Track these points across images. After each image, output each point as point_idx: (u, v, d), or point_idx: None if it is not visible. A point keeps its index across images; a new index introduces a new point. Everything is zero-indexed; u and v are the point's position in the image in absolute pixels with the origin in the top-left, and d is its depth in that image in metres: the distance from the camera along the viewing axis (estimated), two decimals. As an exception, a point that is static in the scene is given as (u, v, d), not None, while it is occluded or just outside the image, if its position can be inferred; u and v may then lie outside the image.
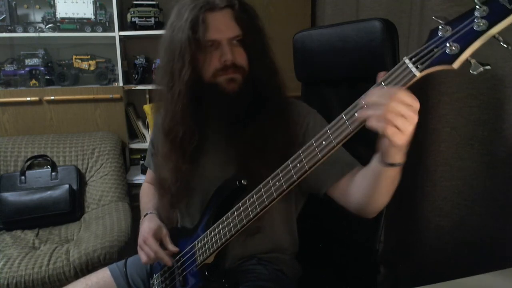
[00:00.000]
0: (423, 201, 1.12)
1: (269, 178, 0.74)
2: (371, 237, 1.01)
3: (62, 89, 2.15)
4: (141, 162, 2.26)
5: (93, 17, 2.13)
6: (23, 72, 2.15)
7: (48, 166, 1.97)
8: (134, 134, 2.32)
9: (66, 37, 2.14)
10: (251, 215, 0.77)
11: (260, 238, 0.94)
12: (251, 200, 0.77)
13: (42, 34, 2.08)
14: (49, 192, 1.84)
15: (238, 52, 0.86)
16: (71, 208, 1.86)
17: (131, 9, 2.12)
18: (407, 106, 0.56)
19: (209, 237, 0.86)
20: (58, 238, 1.71)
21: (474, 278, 0.75)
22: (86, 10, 2.12)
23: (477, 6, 0.51)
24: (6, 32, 2.06)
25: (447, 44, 0.53)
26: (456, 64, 0.53)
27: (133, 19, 2.11)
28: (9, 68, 2.16)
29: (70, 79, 2.20)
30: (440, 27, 0.55)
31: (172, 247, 0.93)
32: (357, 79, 1.08)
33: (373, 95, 0.59)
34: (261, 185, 0.76)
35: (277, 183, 0.72)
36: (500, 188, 0.97)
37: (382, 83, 0.59)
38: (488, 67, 0.53)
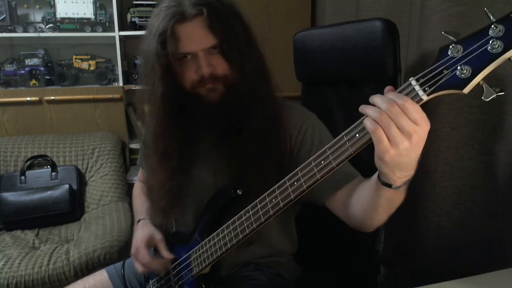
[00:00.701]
0: (423, 201, 1.12)
1: (266, 194, 0.72)
2: (371, 237, 1.01)
3: (62, 89, 2.15)
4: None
5: (93, 17, 2.13)
6: (23, 72, 2.15)
7: (48, 166, 1.97)
8: (134, 134, 2.32)
9: (66, 37, 2.14)
10: (247, 231, 0.75)
11: (257, 244, 0.93)
12: (247, 215, 0.75)
13: (42, 34, 2.08)
14: (49, 192, 1.84)
15: (216, 61, 0.80)
16: (71, 208, 1.85)
17: (131, 9, 2.12)
18: (406, 118, 0.51)
19: (204, 248, 0.85)
20: (58, 238, 1.71)
21: (474, 278, 0.75)
22: (86, 10, 2.12)
23: (492, 26, 0.47)
24: (6, 32, 2.06)
25: (458, 67, 0.49)
26: (467, 89, 0.49)
27: (133, 19, 2.11)
28: (9, 68, 2.16)
29: (70, 79, 2.20)
30: (451, 46, 0.50)
31: (166, 254, 0.90)
32: (358, 79, 1.08)
33: (379, 96, 0.54)
34: (257, 201, 0.73)
35: (273, 200, 0.70)
36: (500, 188, 0.97)
37: None
38: (502, 93, 0.49)
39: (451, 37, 0.51)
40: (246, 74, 0.82)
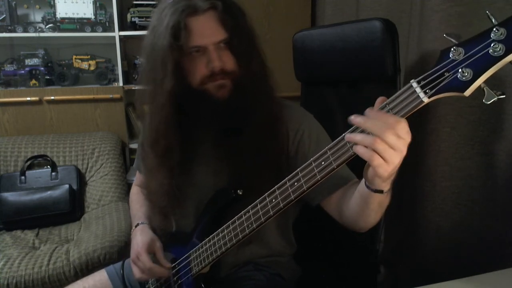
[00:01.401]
0: (423, 201, 1.12)
1: (266, 194, 0.72)
2: (371, 237, 1.01)
3: (62, 89, 2.15)
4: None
5: (93, 17, 2.13)
6: (23, 72, 2.15)
7: (48, 166, 1.97)
8: (134, 134, 2.32)
9: (66, 37, 2.14)
10: (247, 231, 0.76)
11: (256, 244, 0.93)
12: (247, 215, 0.76)
13: (42, 34, 2.08)
14: (49, 192, 1.84)
15: (226, 56, 0.81)
16: (71, 208, 1.85)
17: (131, 9, 2.12)
18: (399, 138, 0.53)
19: (204, 248, 0.85)
20: (58, 238, 1.71)
21: (474, 278, 0.75)
22: (86, 10, 2.12)
23: (494, 29, 0.47)
24: (6, 32, 2.06)
25: (460, 70, 0.49)
26: (468, 92, 0.50)
27: (133, 19, 2.11)
28: (9, 68, 2.16)
29: (70, 79, 2.20)
30: (452, 49, 0.50)
31: (165, 263, 0.90)
32: (357, 79, 1.08)
33: (368, 120, 0.54)
34: (257, 201, 0.74)
35: (273, 200, 0.71)
36: (500, 188, 0.97)
37: (387, 105, 0.55)
38: (503, 96, 0.49)
39: (452, 40, 0.51)
40: (252, 71, 0.83)
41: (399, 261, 1.27)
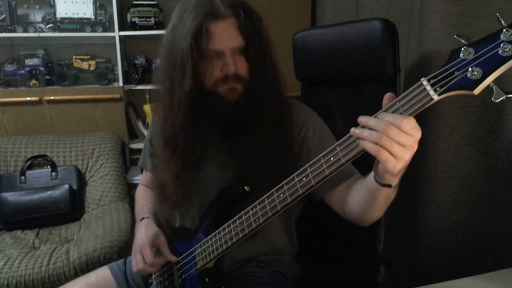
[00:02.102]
0: (423, 201, 1.12)
1: (273, 190, 0.73)
2: (371, 237, 1.01)
3: (62, 89, 2.15)
4: (141, 162, 2.26)
5: (93, 17, 2.13)
6: (23, 72, 2.15)
7: (48, 166, 1.97)
8: (134, 134, 2.32)
9: (66, 37, 2.14)
10: (254, 225, 0.77)
11: (259, 241, 0.94)
12: (254, 210, 0.77)
13: (42, 34, 2.08)
14: (49, 192, 1.84)
15: (240, 62, 0.84)
16: (71, 208, 1.85)
17: (131, 9, 2.12)
18: (404, 134, 0.54)
19: (210, 242, 0.86)
20: (58, 238, 1.71)
21: (474, 278, 0.75)
22: (86, 10, 2.12)
23: (504, 30, 0.48)
24: (6, 32, 2.06)
25: (469, 69, 0.51)
26: (477, 91, 0.51)
27: (133, 19, 2.11)
28: (9, 68, 2.16)
29: (70, 79, 2.20)
30: (462, 48, 0.52)
31: (170, 257, 0.92)
32: (357, 79, 1.08)
33: (372, 119, 0.57)
34: (264, 196, 0.75)
35: (281, 195, 0.72)
36: (500, 188, 0.97)
37: (397, 103, 0.57)
38: (511, 95, 0.50)
39: (462, 41, 0.53)
40: (264, 78, 0.86)
41: (399, 261, 1.27)
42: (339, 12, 1.73)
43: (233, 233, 0.80)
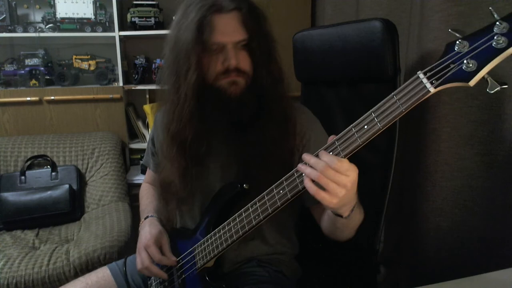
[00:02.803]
0: (423, 201, 1.12)
1: (273, 186, 0.73)
2: (371, 237, 1.01)
3: (62, 89, 2.15)
4: (141, 162, 2.26)
5: (93, 17, 2.13)
6: (23, 72, 2.15)
7: (48, 166, 1.97)
8: (134, 134, 2.32)
9: (66, 37, 2.14)
10: (254, 222, 0.76)
11: (259, 241, 0.95)
12: (254, 207, 0.77)
13: (42, 34, 2.08)
14: (49, 192, 1.84)
15: (242, 56, 0.84)
16: (71, 208, 1.85)
17: (131, 9, 2.12)
18: (339, 174, 0.61)
19: (209, 241, 0.86)
20: (58, 238, 1.71)
21: (474, 278, 0.75)
22: (86, 10, 2.12)
23: (497, 23, 0.49)
24: (6, 32, 2.06)
25: (464, 61, 0.52)
26: (472, 82, 0.52)
27: (133, 19, 2.11)
28: (9, 68, 2.16)
29: (70, 79, 2.20)
30: (457, 42, 0.53)
31: (170, 256, 0.92)
32: (357, 79, 1.08)
33: (313, 158, 0.64)
34: (264, 193, 0.75)
35: (281, 191, 0.72)
36: (500, 188, 0.97)
37: (394, 96, 0.58)
38: (505, 86, 0.51)
39: (457, 34, 0.54)
40: (267, 74, 0.86)
41: (399, 261, 1.27)
42: (339, 12, 1.73)
43: (233, 231, 0.80)
